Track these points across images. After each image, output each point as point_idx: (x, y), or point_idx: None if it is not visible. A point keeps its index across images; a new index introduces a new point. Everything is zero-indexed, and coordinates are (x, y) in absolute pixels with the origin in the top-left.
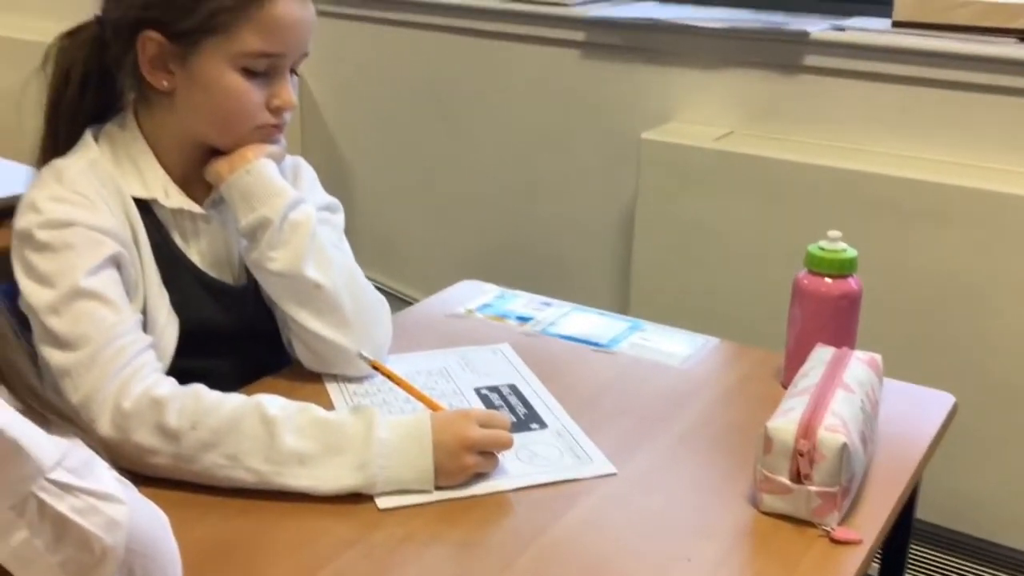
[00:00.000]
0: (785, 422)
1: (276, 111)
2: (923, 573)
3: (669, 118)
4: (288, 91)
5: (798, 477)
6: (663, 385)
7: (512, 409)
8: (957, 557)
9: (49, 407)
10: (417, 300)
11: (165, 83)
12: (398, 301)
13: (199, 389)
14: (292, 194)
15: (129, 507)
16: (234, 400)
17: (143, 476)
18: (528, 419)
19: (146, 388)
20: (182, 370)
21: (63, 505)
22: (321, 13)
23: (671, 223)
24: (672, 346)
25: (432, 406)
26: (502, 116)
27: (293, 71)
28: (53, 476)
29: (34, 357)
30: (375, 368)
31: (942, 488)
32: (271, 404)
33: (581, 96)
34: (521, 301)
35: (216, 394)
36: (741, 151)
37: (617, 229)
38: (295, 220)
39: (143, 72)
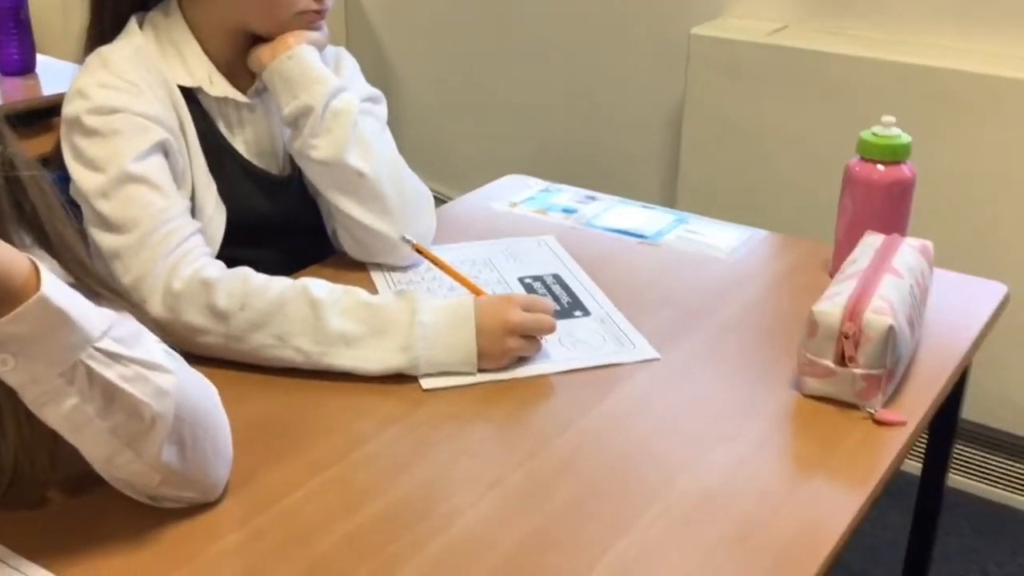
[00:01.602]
0: (831, 305)
1: None
2: (968, 472)
3: (720, 12)
4: None
5: (843, 360)
6: (708, 276)
7: (556, 298)
8: (1003, 456)
9: (99, 281)
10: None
11: None
12: (443, 203)
13: (247, 272)
14: (334, 81)
15: (177, 377)
16: (281, 283)
17: (194, 356)
18: (572, 307)
19: (196, 270)
20: (229, 259)
21: (111, 373)
22: None
23: (721, 120)
24: (718, 238)
25: (475, 291)
26: (549, 11)
27: None
28: (101, 345)
29: (85, 239)
30: (419, 252)
31: (990, 388)
32: (317, 287)
33: None
34: (566, 195)
35: (263, 277)
36: (795, 46)
37: (666, 126)
38: (337, 108)
39: None
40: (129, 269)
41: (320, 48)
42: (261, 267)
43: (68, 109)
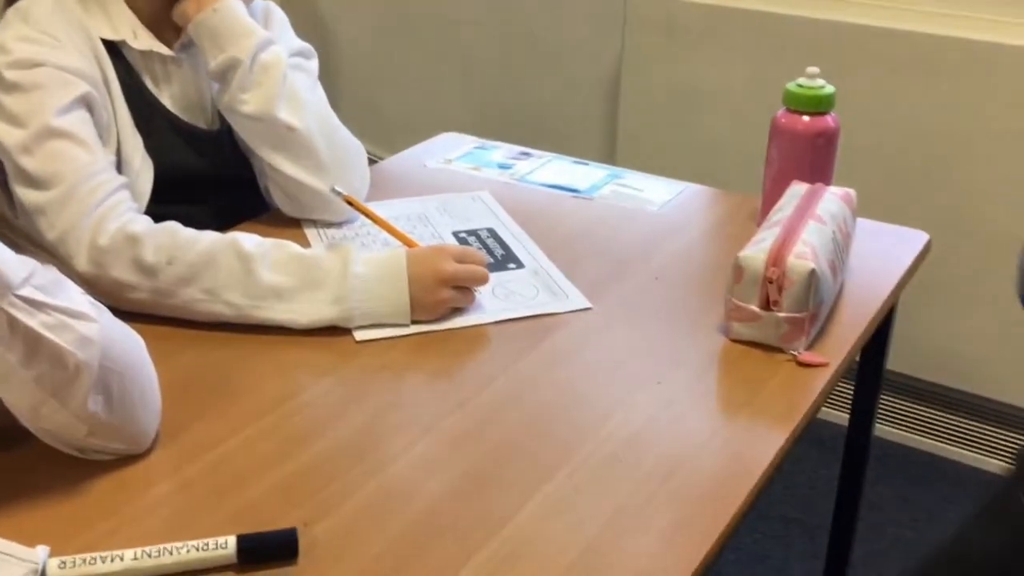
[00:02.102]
0: (755, 251)
1: None
2: (894, 423)
3: None
4: None
5: (767, 304)
6: (640, 228)
7: (490, 251)
8: (928, 407)
9: (22, 234)
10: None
11: None
12: (376, 163)
13: (174, 226)
14: (262, 34)
15: (101, 325)
16: (209, 236)
17: (123, 312)
18: (505, 260)
19: (122, 225)
20: (159, 216)
21: (34, 321)
22: None
23: (658, 78)
24: (652, 193)
25: (408, 243)
26: None
27: None
28: (22, 292)
29: (9, 194)
30: (350, 203)
31: (914, 339)
32: (247, 240)
33: None
34: (501, 152)
35: (192, 231)
36: (730, 5)
37: (604, 85)
38: (265, 61)
39: None
40: (54, 225)
41: (247, 2)
42: (192, 224)
43: None
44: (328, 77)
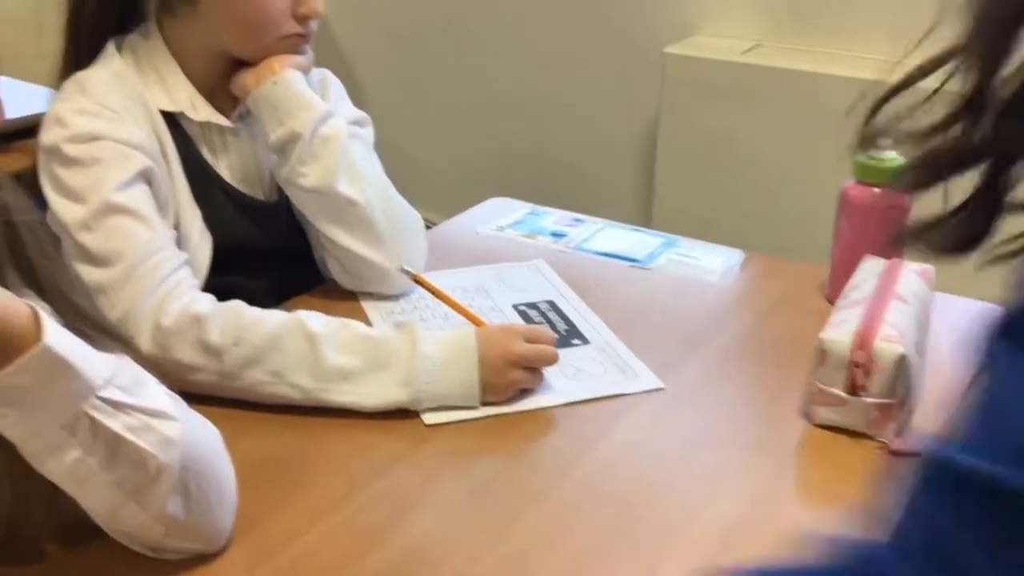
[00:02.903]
0: (839, 333)
1: (303, 19)
2: None
3: (693, 31)
4: None
5: (853, 389)
6: (704, 301)
7: (552, 325)
8: None
9: (94, 325)
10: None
11: None
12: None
13: (239, 305)
14: (321, 107)
15: (182, 424)
16: (276, 316)
17: (186, 394)
18: (569, 335)
19: (185, 305)
20: (216, 288)
21: (116, 423)
22: None
23: (695, 139)
24: (709, 261)
25: (475, 321)
26: (519, 28)
27: None
28: (104, 394)
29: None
30: (417, 282)
31: None
32: (313, 320)
33: (601, 8)
34: (552, 218)
35: (257, 310)
36: (770, 64)
37: (639, 145)
38: (325, 134)
39: None
40: (115, 305)
41: (305, 72)
42: (248, 295)
43: (46, 137)
44: None
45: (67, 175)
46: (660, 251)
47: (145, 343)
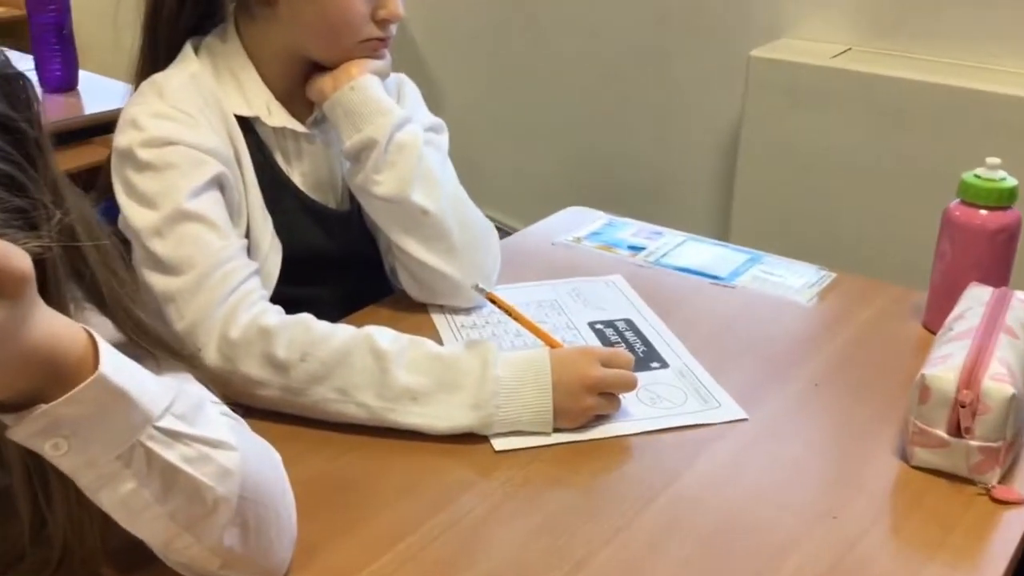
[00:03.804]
0: (944, 370)
1: (382, 23)
2: None
3: (780, 34)
4: (395, 1)
5: (957, 430)
6: (790, 323)
7: (630, 346)
8: None
9: (156, 342)
10: (511, 228)
11: None
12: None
13: (308, 319)
14: (398, 113)
15: (241, 453)
16: (344, 332)
17: (250, 408)
18: (647, 357)
19: (254, 316)
20: (284, 298)
21: (172, 454)
22: None
23: (780, 147)
24: (795, 280)
25: (550, 342)
26: (600, 31)
27: None
28: (161, 424)
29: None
30: (492, 301)
31: None
32: (382, 337)
33: (685, 9)
34: (631, 229)
35: (325, 325)
36: (861, 69)
37: (720, 152)
38: (401, 141)
39: None
40: (184, 315)
41: (383, 77)
42: (317, 304)
43: (120, 140)
44: None
45: (140, 180)
46: (744, 268)
47: (212, 355)
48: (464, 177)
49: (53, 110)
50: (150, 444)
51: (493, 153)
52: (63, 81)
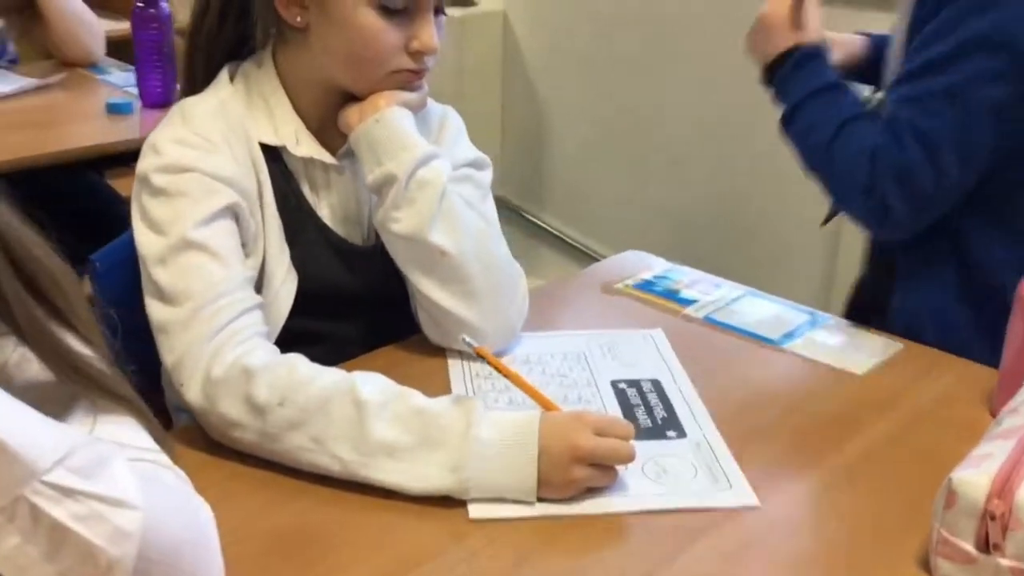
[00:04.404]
0: (975, 474)
1: (415, 55)
2: None
3: None
4: (429, 33)
5: (986, 545)
6: (837, 398)
7: (650, 409)
8: None
9: (88, 380)
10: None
11: (298, 18)
12: (587, 257)
13: (295, 362)
14: (423, 149)
15: (147, 513)
16: (328, 377)
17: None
18: (665, 424)
19: (239, 355)
20: (300, 332)
21: (60, 511)
22: None
23: None
24: (858, 349)
25: (545, 404)
26: (720, 58)
27: (439, 10)
28: (50, 478)
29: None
30: (481, 356)
31: None
32: (366, 385)
33: None
34: (688, 278)
35: (311, 368)
36: None
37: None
38: (423, 178)
39: (276, 6)
40: (173, 348)
41: (416, 110)
42: (335, 341)
43: (140, 164)
44: (544, 165)
45: (153, 205)
46: (801, 330)
47: (194, 393)
48: (569, 204)
49: (150, 124)
50: (35, 499)
51: (599, 181)
52: (161, 97)
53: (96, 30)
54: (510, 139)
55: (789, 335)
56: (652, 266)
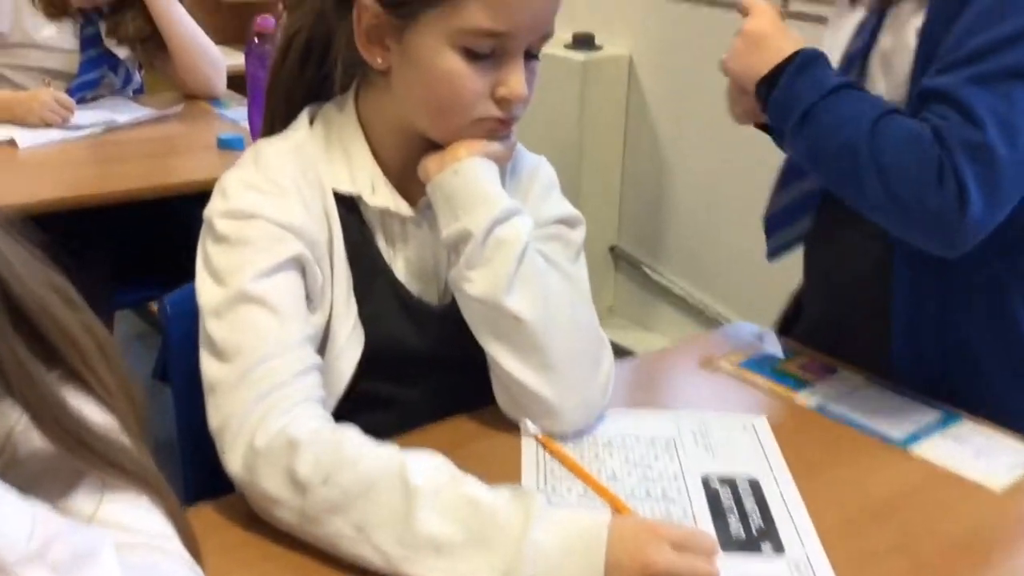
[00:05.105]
0: None
1: (502, 102)
2: None
3: None
4: (518, 80)
5: None
6: (966, 516)
7: (744, 516)
8: None
9: (94, 454)
10: (725, 319)
11: (380, 60)
12: (703, 316)
13: (345, 435)
14: (504, 204)
15: None
16: (377, 455)
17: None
18: (761, 535)
19: (286, 424)
20: (364, 395)
21: None
22: None
23: None
24: (996, 457)
25: (617, 506)
26: None
27: (532, 55)
28: (24, 572)
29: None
30: (544, 446)
31: None
32: (418, 469)
33: None
34: (801, 360)
35: (361, 444)
36: None
37: None
38: (502, 237)
39: (358, 46)
40: (218, 409)
41: (501, 162)
42: (401, 405)
43: (209, 206)
44: (666, 218)
45: (215, 252)
46: (930, 430)
47: (235, 463)
48: (689, 260)
49: None
50: None
51: (720, 238)
52: None
53: (218, 63)
54: (630, 189)
55: (916, 436)
56: (763, 340)
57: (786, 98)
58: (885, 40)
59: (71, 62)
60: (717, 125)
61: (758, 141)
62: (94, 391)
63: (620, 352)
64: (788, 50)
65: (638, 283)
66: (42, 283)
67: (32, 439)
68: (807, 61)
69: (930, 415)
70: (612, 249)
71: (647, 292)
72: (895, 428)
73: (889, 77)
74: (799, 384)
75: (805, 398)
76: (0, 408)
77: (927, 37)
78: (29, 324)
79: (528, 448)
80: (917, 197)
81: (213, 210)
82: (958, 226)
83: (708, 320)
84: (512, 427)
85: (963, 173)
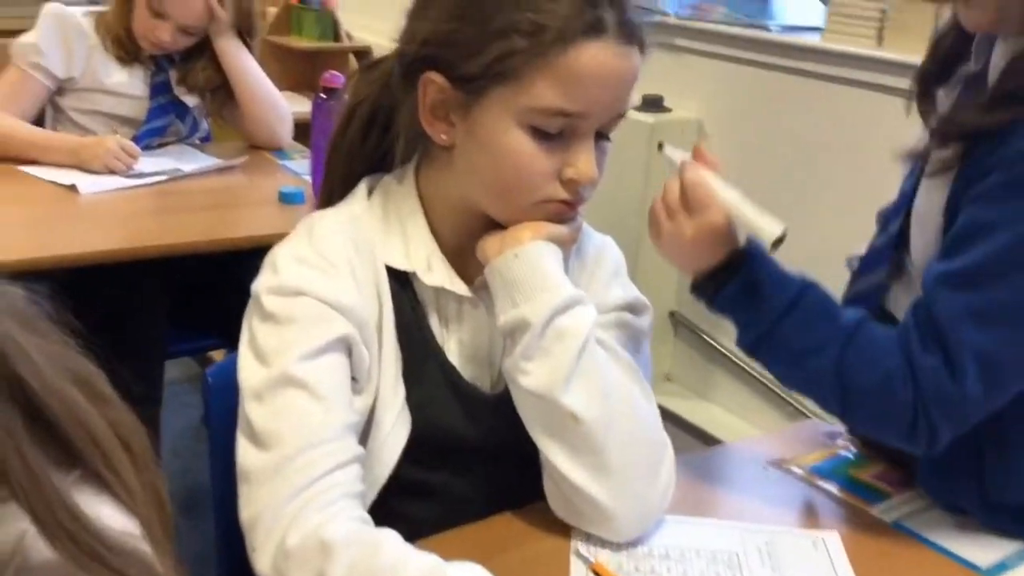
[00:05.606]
0: None
1: (569, 184)
2: None
3: None
4: (588, 161)
5: None
6: None
7: None
8: None
9: (104, 566)
10: (783, 389)
11: (444, 136)
12: (763, 387)
13: (384, 540)
14: (565, 293)
15: None
16: (415, 567)
17: None
18: None
19: (320, 523)
20: (410, 483)
21: None
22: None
23: None
24: None
25: None
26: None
27: (603, 136)
28: None
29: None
30: (596, 573)
31: None
32: None
33: None
34: (875, 471)
35: (399, 552)
36: None
37: None
38: (562, 328)
39: (422, 120)
40: (251, 501)
41: (566, 246)
42: (448, 498)
43: (257, 280)
44: None
45: (260, 330)
46: (1016, 561)
47: (264, 563)
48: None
49: None
50: None
51: None
52: None
53: (285, 115)
54: None
55: (1003, 565)
56: (834, 443)
57: (731, 318)
58: (919, 200)
59: (140, 108)
60: (782, 192)
61: (823, 210)
62: (116, 493)
63: (676, 421)
64: (722, 254)
65: (697, 350)
66: (66, 378)
67: (44, 547)
68: (748, 272)
69: (1015, 544)
70: (672, 315)
71: (706, 359)
72: (979, 554)
73: (923, 236)
74: (876, 496)
75: (882, 512)
76: (11, 511)
77: (950, 211)
78: (47, 423)
79: (580, 550)
80: (885, 434)
81: (261, 285)
82: (927, 448)
83: (766, 391)
84: (562, 531)
85: (936, 422)
